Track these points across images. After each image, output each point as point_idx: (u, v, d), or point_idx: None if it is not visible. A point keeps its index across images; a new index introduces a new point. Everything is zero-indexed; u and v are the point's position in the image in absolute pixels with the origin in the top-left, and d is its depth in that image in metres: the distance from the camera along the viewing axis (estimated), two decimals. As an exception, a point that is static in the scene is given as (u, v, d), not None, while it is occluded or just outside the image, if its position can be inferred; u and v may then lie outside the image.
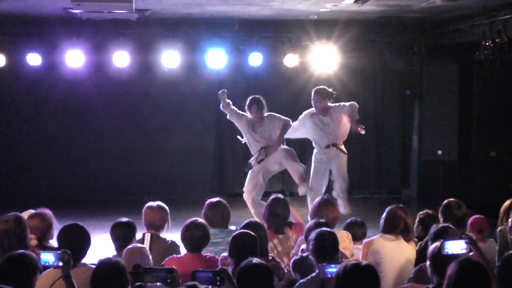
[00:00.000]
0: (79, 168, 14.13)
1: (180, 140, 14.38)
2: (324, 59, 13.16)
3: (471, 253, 5.02)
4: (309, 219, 7.17)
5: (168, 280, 4.91)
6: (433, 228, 5.83)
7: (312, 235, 5.64)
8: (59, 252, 5.01)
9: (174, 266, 5.11)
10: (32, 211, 6.94)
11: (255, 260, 4.94)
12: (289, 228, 7.35)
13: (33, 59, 12.73)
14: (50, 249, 6.03)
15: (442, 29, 12.84)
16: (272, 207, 7.36)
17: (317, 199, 7.30)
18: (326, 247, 5.54)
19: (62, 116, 14.10)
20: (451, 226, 5.89)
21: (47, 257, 4.99)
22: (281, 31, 13.06)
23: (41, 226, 6.58)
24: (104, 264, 5.04)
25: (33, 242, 6.42)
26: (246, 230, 5.83)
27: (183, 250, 6.36)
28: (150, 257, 5.75)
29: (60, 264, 4.97)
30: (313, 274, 5.42)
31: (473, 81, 12.67)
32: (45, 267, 5.14)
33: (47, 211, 6.81)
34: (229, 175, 14.60)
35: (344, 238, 6.99)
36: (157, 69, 13.40)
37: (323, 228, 5.76)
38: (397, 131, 14.76)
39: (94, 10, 10.36)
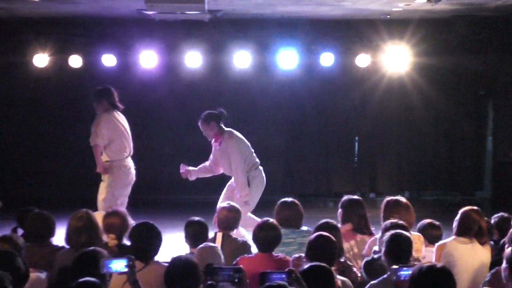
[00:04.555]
0: (152, 167, 14.29)
1: (251, 141, 14.38)
2: (396, 59, 13.04)
3: None
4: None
5: (236, 280, 4.93)
6: (512, 232, 5.72)
7: (386, 236, 5.56)
8: (123, 258, 4.94)
9: (242, 266, 5.13)
10: (102, 211, 7.03)
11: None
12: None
13: (108, 60, 12.96)
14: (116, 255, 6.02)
15: (516, 28, 12.61)
16: (353, 207, 7.26)
17: (391, 200, 7.16)
18: (400, 250, 5.45)
19: (136, 116, 14.28)
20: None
21: (112, 264, 4.90)
22: (352, 31, 12.99)
23: (119, 225, 6.64)
24: (177, 262, 5.10)
25: (113, 242, 6.52)
26: (325, 233, 5.75)
27: (254, 250, 6.39)
28: (222, 256, 5.79)
29: (125, 270, 4.91)
30: (385, 276, 5.36)
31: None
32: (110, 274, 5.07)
33: (123, 210, 6.90)
34: (300, 175, 14.60)
35: (416, 240, 6.88)
36: (229, 70, 13.47)
37: (398, 230, 5.68)
38: (470, 131, 14.51)
39: (167, 11, 10.49)
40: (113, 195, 9.56)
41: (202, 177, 9.88)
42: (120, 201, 9.58)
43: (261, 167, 9.64)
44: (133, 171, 9.84)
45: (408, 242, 5.53)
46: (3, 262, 4.80)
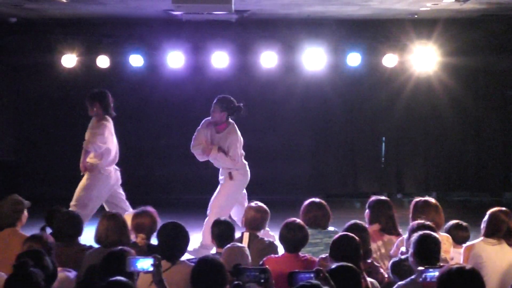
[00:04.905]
0: (179, 166, 14.33)
1: (278, 140, 14.43)
2: (424, 58, 12.98)
3: None
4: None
5: (262, 280, 4.93)
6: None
7: (414, 237, 5.52)
8: (149, 257, 4.96)
9: (269, 266, 5.13)
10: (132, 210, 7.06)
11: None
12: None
13: (136, 60, 13.04)
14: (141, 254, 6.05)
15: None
16: (380, 208, 7.23)
17: (420, 200, 7.13)
18: (429, 251, 5.38)
19: (163, 116, 14.36)
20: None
21: (138, 263, 4.93)
22: (380, 31, 12.95)
23: (148, 224, 6.65)
24: (204, 262, 5.11)
25: (142, 241, 6.56)
26: (349, 234, 5.74)
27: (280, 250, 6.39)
28: (249, 256, 5.80)
29: (151, 269, 4.92)
30: (413, 277, 5.33)
31: None
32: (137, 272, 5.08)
33: (152, 209, 6.93)
34: (326, 175, 14.57)
35: (444, 241, 6.84)
36: (255, 70, 13.48)
37: (426, 231, 5.63)
38: (498, 131, 14.40)
39: (194, 11, 10.52)
40: (86, 196, 9.44)
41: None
42: (92, 205, 9.43)
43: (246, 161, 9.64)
44: (113, 177, 9.68)
45: (437, 243, 5.48)
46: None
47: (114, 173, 9.66)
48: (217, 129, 9.58)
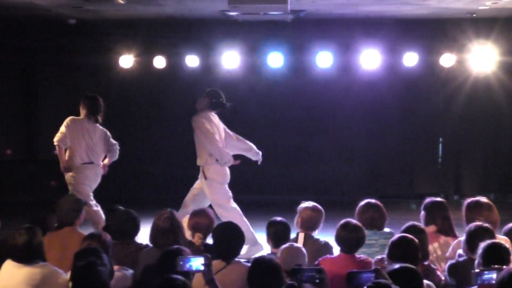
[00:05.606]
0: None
1: (333, 141, 14.39)
2: (482, 58, 12.78)
3: None
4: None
5: (317, 281, 4.92)
6: None
7: (483, 246, 5.38)
8: (200, 256, 4.97)
9: (324, 267, 5.12)
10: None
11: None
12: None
13: (191, 60, 13.13)
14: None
15: None
16: (436, 209, 7.16)
17: (472, 201, 7.04)
18: (500, 259, 5.27)
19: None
20: None
21: (189, 262, 4.93)
22: (437, 30, 12.79)
23: (206, 224, 6.72)
24: (260, 262, 5.13)
25: (199, 240, 6.61)
26: (408, 235, 5.69)
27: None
28: (306, 257, 5.79)
29: (202, 268, 4.92)
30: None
31: None
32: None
33: (209, 210, 6.98)
34: (382, 175, 14.48)
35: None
36: (311, 70, 13.45)
37: (495, 241, 5.52)
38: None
39: (250, 12, 10.53)
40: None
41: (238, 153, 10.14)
42: None
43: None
44: (87, 177, 9.71)
45: (507, 253, 5.38)
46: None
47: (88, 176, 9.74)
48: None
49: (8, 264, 5.63)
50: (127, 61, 13.19)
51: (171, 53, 13.20)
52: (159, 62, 13.18)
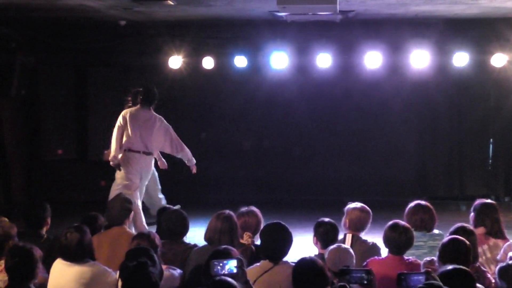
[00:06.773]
0: (276, 168, 14.40)
1: (383, 141, 14.29)
2: (535, 58, 12.59)
3: None
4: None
5: (365, 282, 4.90)
6: None
7: None
8: (233, 259, 4.94)
9: (372, 268, 5.09)
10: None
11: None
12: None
13: (240, 61, 13.17)
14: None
15: None
16: (486, 211, 7.08)
17: None
18: None
19: (266, 117, 14.45)
20: None
21: (222, 265, 4.90)
22: (488, 30, 12.61)
23: (254, 224, 6.80)
24: (304, 263, 5.12)
25: (249, 239, 6.64)
26: (460, 237, 5.66)
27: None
28: (354, 258, 5.77)
29: (235, 271, 4.88)
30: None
31: None
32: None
33: (256, 209, 7.01)
34: (432, 177, 14.33)
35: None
36: (360, 70, 13.37)
37: None
38: None
39: (299, 12, 10.51)
40: None
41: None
42: None
43: None
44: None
45: None
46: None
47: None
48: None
49: (59, 262, 5.72)
50: (176, 62, 13.28)
51: (220, 53, 13.25)
52: (208, 62, 13.24)
